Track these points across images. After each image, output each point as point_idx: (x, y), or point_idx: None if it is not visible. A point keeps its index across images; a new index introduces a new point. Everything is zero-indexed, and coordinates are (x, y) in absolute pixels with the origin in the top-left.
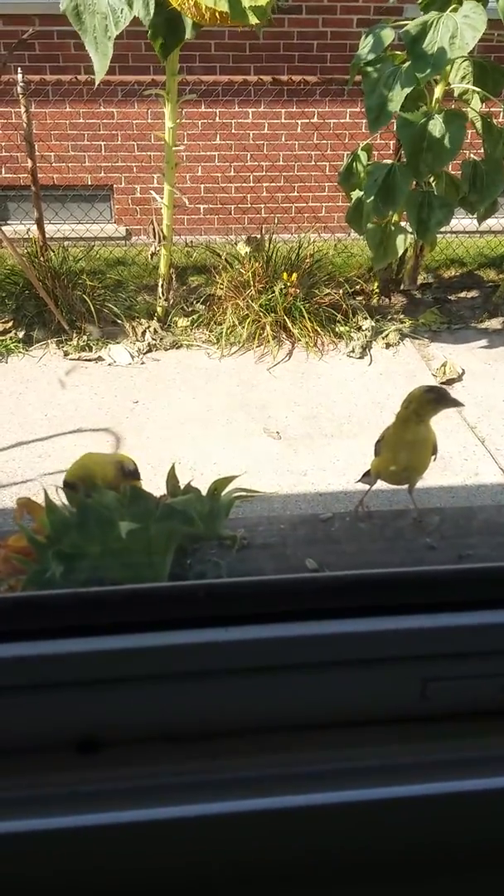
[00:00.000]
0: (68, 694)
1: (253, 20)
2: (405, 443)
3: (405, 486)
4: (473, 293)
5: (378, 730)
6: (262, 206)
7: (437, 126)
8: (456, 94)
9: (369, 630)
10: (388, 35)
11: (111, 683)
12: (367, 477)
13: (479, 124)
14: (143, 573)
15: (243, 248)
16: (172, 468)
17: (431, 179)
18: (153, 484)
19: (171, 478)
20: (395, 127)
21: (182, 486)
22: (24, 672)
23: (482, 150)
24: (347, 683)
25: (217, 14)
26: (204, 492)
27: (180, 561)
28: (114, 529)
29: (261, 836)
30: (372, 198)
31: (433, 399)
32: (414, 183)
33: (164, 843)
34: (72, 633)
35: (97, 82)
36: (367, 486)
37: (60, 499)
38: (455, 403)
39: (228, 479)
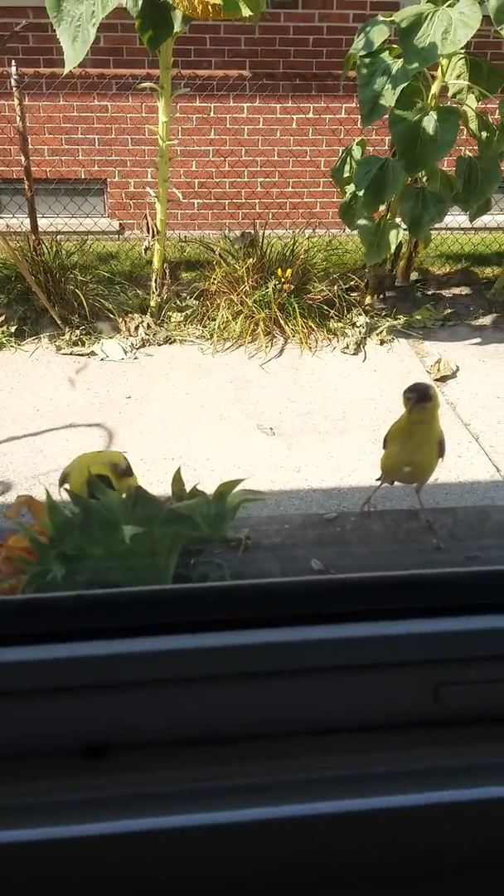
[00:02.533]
0: (73, 699)
1: (246, 12)
2: (407, 439)
3: (414, 486)
4: (468, 290)
5: (390, 735)
6: (257, 201)
7: (430, 123)
8: (451, 92)
9: (381, 634)
10: (383, 31)
11: (117, 688)
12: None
13: (473, 123)
14: (146, 575)
15: (237, 244)
16: (178, 471)
17: (425, 176)
18: (146, 479)
19: (177, 481)
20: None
21: (188, 490)
22: (28, 676)
23: (477, 148)
24: (359, 688)
25: (210, 6)
26: (206, 493)
27: (184, 562)
28: (117, 532)
29: (273, 843)
30: (363, 191)
31: (406, 395)
32: (409, 179)
33: (173, 851)
34: (77, 636)
35: (66, 69)
36: (382, 484)
37: (62, 498)
38: (412, 408)
39: (234, 483)
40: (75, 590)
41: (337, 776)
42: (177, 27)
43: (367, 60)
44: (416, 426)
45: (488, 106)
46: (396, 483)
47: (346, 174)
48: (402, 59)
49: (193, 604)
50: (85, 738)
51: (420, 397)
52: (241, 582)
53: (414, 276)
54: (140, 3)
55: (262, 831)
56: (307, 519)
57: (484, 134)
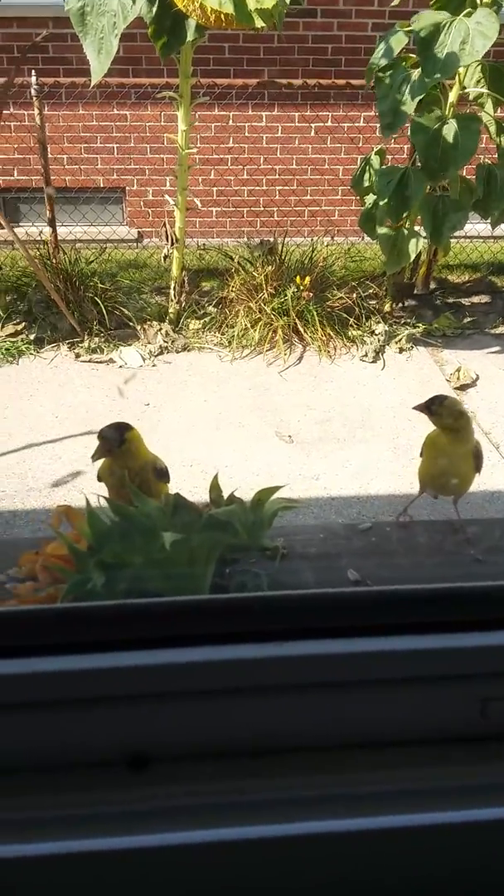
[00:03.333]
0: (118, 709)
1: (259, 23)
2: (439, 449)
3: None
4: (487, 298)
5: (436, 750)
6: (275, 209)
7: (451, 130)
8: (471, 98)
9: (426, 647)
10: (401, 39)
11: (161, 698)
12: None
13: (493, 129)
14: (185, 584)
15: (256, 251)
16: (216, 478)
17: (446, 183)
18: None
19: (215, 488)
20: (408, 131)
21: (225, 496)
22: (72, 686)
23: (496, 155)
24: (404, 702)
25: (222, 16)
26: (244, 500)
27: (220, 571)
28: (156, 539)
29: (319, 858)
30: (385, 201)
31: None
32: (428, 187)
33: (219, 864)
34: (121, 646)
35: (94, 82)
36: (420, 494)
37: (100, 504)
38: (431, 415)
39: (272, 490)
40: (115, 598)
41: (382, 791)
42: (190, 35)
43: (386, 72)
44: (442, 436)
45: None
46: (433, 495)
47: (366, 183)
48: (419, 69)
49: (241, 614)
50: (128, 748)
51: (426, 406)
52: (285, 592)
53: (433, 284)
54: (154, 9)
55: (308, 846)
56: (341, 528)
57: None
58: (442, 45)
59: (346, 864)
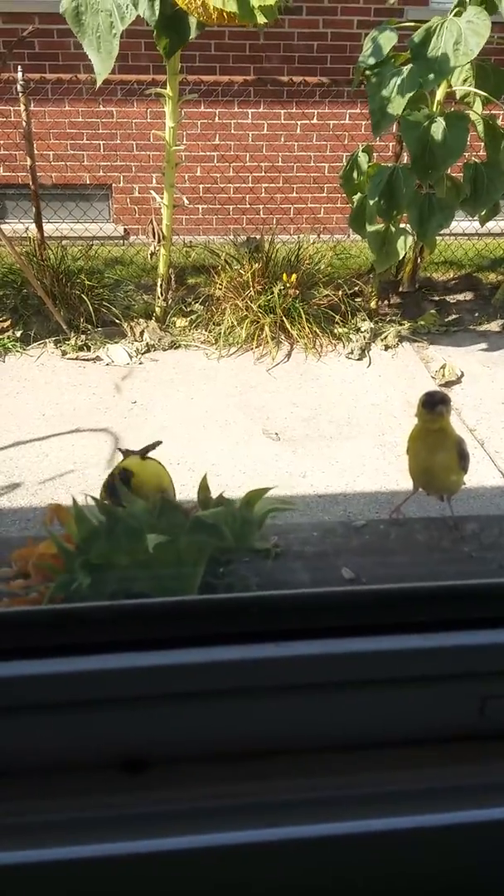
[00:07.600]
0: (112, 712)
1: (262, 20)
2: (418, 444)
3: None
4: (472, 295)
5: (435, 750)
6: (262, 206)
7: (439, 129)
8: (458, 97)
9: (424, 646)
10: (391, 38)
11: (157, 700)
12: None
13: (480, 127)
14: (173, 585)
15: (240, 249)
16: (205, 478)
17: (433, 181)
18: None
19: (204, 488)
20: (397, 129)
21: (214, 497)
22: (65, 689)
23: (483, 153)
24: (402, 701)
25: (225, 14)
26: (233, 501)
27: (213, 571)
28: (143, 541)
29: (319, 862)
30: (375, 200)
31: (420, 401)
32: (416, 185)
33: (216, 869)
34: (115, 647)
35: (99, 82)
36: (415, 492)
37: (89, 506)
38: (431, 412)
39: (262, 491)
40: (101, 599)
41: (382, 793)
42: (192, 34)
43: (375, 70)
44: (428, 431)
45: (494, 112)
46: (422, 491)
47: (354, 181)
48: (409, 68)
49: (237, 614)
50: (124, 751)
51: (434, 402)
52: (281, 592)
53: (419, 282)
54: (157, 11)
55: (308, 849)
56: (336, 526)
57: (491, 138)
58: (435, 47)
59: (346, 866)
